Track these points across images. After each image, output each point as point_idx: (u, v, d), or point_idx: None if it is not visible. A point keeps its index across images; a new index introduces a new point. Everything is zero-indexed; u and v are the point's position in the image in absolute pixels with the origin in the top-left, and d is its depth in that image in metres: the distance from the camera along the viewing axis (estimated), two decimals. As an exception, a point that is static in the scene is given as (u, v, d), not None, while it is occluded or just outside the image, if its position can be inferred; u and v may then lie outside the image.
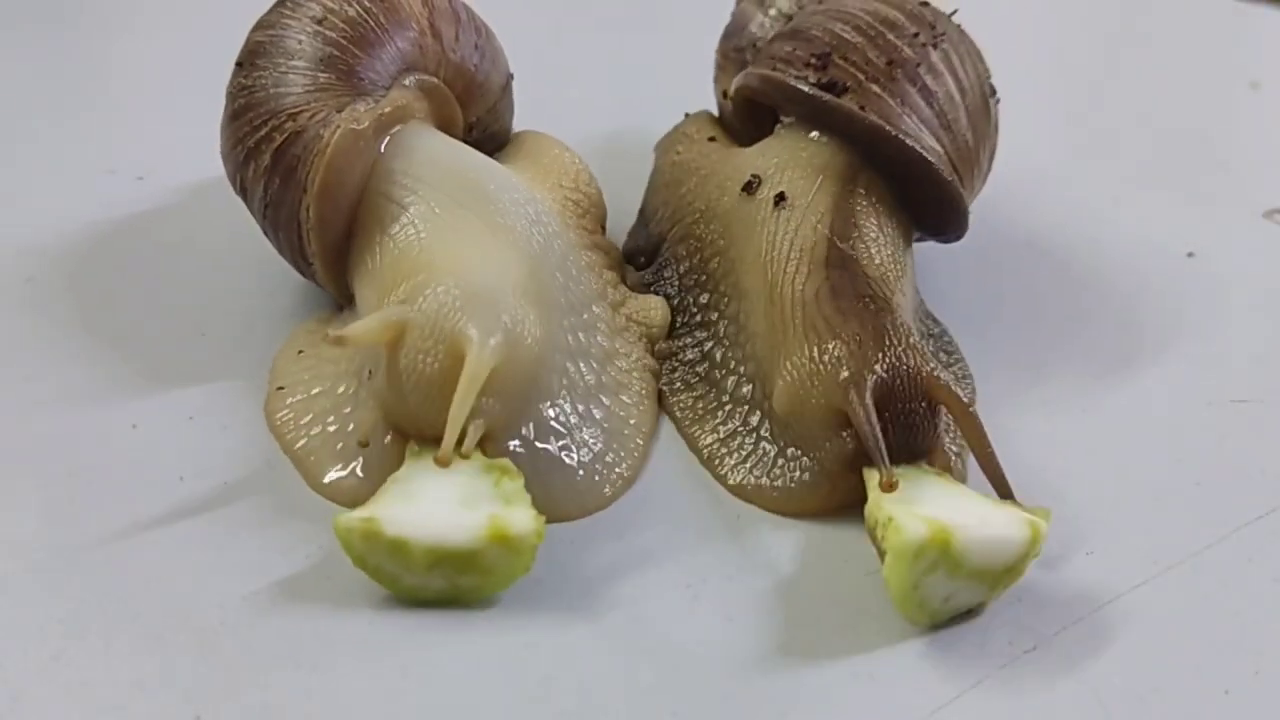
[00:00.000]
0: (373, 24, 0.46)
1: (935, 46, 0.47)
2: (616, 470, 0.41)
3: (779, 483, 0.41)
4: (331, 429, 0.41)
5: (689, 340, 0.46)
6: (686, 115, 0.56)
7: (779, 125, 0.49)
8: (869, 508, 0.38)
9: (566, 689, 0.35)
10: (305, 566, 0.38)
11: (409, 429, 0.39)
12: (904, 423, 0.39)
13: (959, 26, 0.49)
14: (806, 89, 0.46)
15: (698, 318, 0.47)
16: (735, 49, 0.54)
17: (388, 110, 0.44)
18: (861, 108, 0.45)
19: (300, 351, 0.45)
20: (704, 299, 0.47)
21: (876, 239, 0.44)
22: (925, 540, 0.34)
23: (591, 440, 0.41)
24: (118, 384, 0.46)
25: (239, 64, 0.46)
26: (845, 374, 0.39)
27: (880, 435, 0.38)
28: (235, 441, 0.43)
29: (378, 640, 0.36)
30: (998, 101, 0.49)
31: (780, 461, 0.42)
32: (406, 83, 0.46)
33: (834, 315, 0.41)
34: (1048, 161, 0.65)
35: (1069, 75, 0.78)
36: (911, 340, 0.40)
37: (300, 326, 0.48)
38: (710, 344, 0.46)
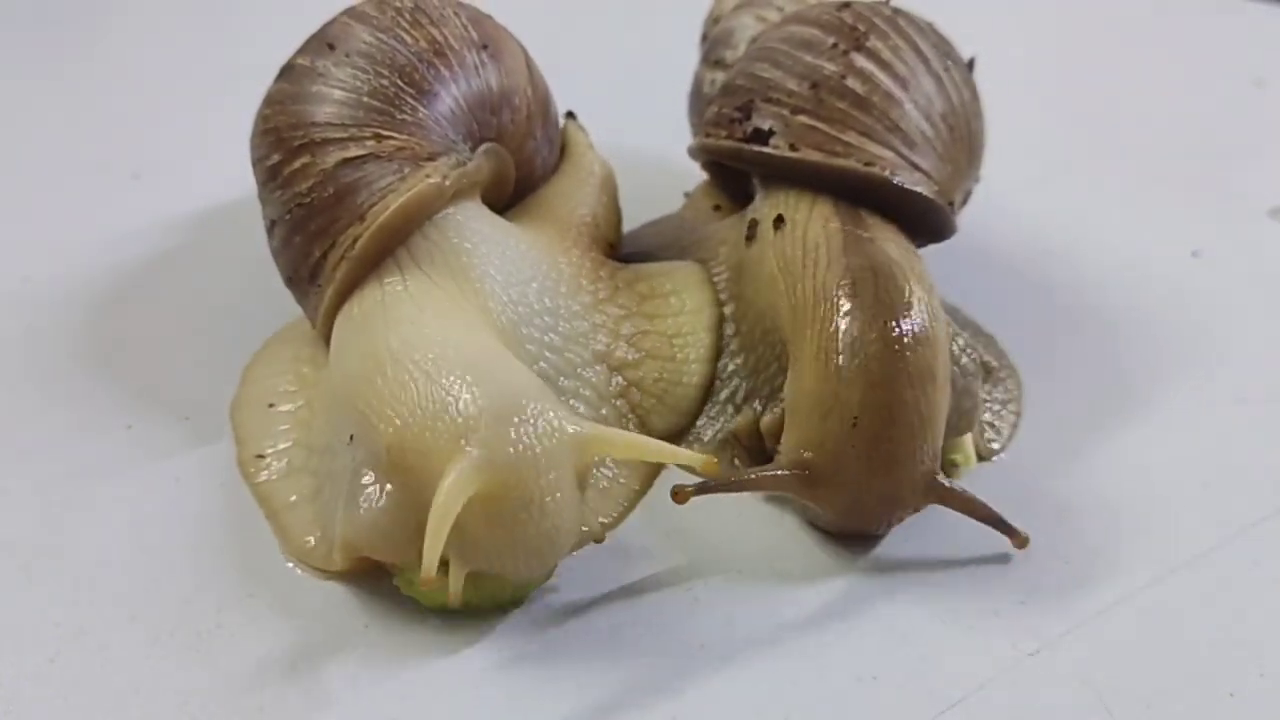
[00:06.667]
0: (484, 80, 0.43)
1: (860, 49, 0.44)
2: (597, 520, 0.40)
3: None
4: (314, 502, 0.40)
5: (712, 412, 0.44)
6: (686, 195, 0.54)
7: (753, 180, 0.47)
8: None
9: (567, 691, 0.34)
10: (301, 570, 0.38)
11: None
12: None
13: (893, 12, 0.46)
14: (733, 145, 0.45)
15: (722, 372, 0.44)
16: (697, 114, 0.52)
17: (470, 172, 0.42)
18: (793, 146, 0.43)
19: (271, 405, 0.43)
20: (731, 346, 0.44)
21: (886, 236, 0.42)
22: None
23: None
24: (113, 384, 0.46)
25: (330, 45, 0.42)
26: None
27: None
28: (231, 443, 0.42)
29: (374, 644, 0.36)
30: (969, 66, 0.47)
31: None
32: (485, 149, 0.44)
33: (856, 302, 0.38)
34: (1052, 160, 0.65)
35: (1074, 74, 0.77)
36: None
37: (260, 356, 0.46)
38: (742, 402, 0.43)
